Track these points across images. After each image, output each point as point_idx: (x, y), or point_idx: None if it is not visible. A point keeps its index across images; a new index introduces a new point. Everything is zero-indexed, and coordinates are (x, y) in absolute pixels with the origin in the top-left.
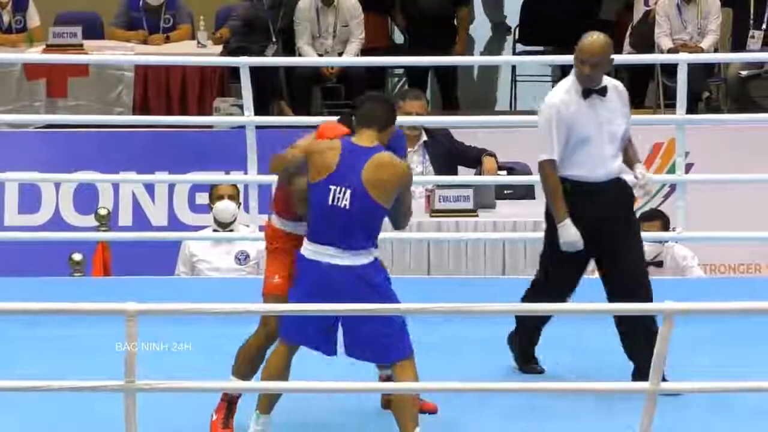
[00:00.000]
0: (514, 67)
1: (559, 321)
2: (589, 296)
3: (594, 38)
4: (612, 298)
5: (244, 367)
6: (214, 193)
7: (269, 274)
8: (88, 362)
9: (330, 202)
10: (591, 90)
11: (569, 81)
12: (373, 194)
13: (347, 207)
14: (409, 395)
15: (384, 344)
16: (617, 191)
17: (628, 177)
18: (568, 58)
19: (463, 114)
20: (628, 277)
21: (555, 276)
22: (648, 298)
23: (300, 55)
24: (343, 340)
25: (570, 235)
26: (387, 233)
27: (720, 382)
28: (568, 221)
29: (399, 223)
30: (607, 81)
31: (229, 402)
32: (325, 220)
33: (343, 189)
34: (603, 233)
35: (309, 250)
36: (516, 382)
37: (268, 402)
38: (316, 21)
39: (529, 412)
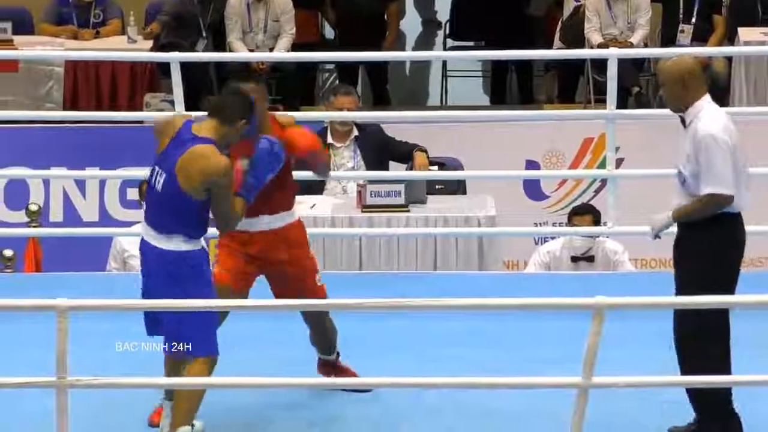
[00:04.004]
0: (444, 63)
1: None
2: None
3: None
4: None
5: None
6: (145, 189)
7: None
8: (19, 359)
9: (152, 183)
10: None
11: None
12: (181, 182)
13: (159, 189)
14: (192, 393)
15: (183, 337)
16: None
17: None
18: (497, 54)
19: (395, 109)
20: None
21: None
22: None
23: (230, 50)
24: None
25: None
26: (318, 229)
27: (650, 376)
28: None
29: (217, 224)
30: (697, 119)
31: None
32: (148, 200)
33: (161, 172)
34: None
35: (141, 226)
36: (446, 378)
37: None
38: (247, 16)
39: (459, 408)
